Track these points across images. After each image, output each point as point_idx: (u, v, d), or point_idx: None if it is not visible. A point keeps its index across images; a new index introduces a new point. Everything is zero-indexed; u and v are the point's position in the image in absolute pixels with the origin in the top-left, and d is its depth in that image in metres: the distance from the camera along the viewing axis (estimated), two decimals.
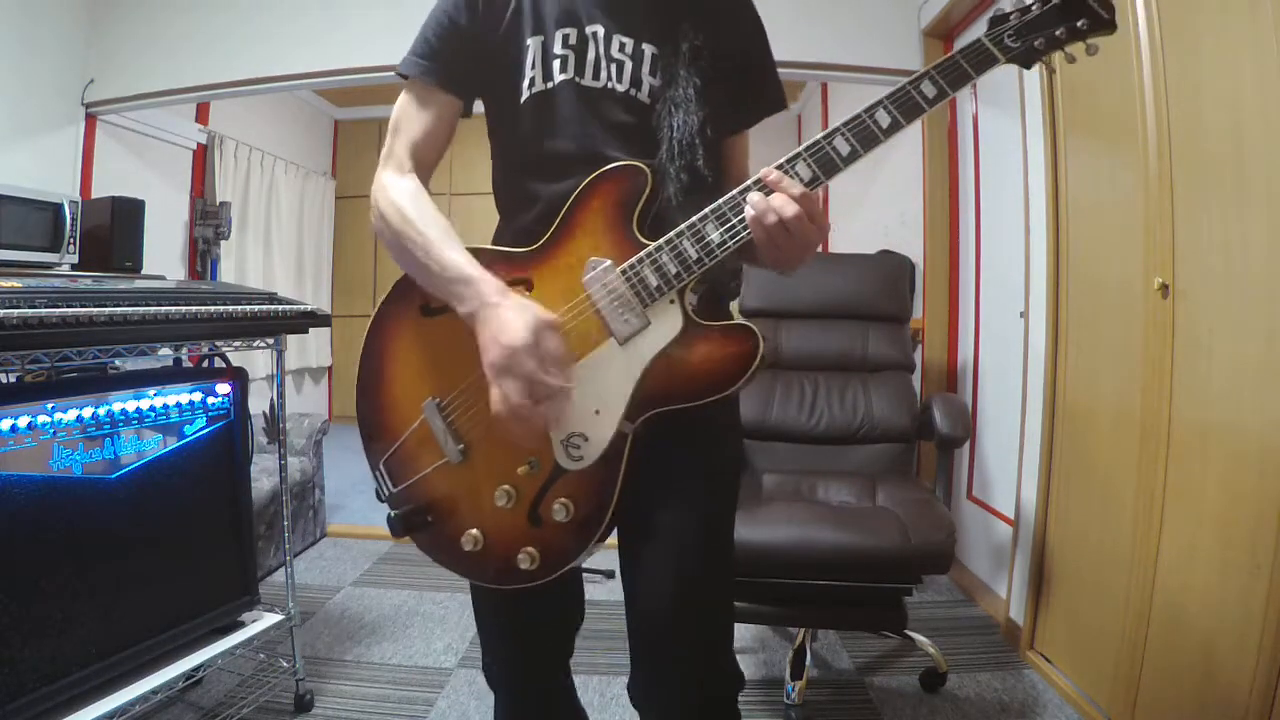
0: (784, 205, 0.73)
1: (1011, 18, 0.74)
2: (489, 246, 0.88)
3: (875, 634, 2.12)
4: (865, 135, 0.75)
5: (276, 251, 4.68)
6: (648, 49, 0.87)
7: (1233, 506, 1.33)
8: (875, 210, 3.46)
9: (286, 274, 4.82)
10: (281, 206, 4.75)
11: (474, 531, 0.84)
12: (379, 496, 0.90)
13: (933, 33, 2.70)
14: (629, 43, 0.87)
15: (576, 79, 0.87)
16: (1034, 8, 0.74)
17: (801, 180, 0.75)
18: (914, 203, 2.97)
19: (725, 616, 0.94)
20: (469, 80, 0.91)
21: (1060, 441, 1.95)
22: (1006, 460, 2.33)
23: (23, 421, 1.29)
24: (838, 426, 2.24)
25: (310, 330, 1.84)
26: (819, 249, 0.80)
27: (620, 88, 0.87)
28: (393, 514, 0.87)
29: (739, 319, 0.81)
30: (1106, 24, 0.74)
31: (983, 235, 2.65)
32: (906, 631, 1.90)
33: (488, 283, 0.78)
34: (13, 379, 1.40)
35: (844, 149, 0.75)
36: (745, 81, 0.93)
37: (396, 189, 0.86)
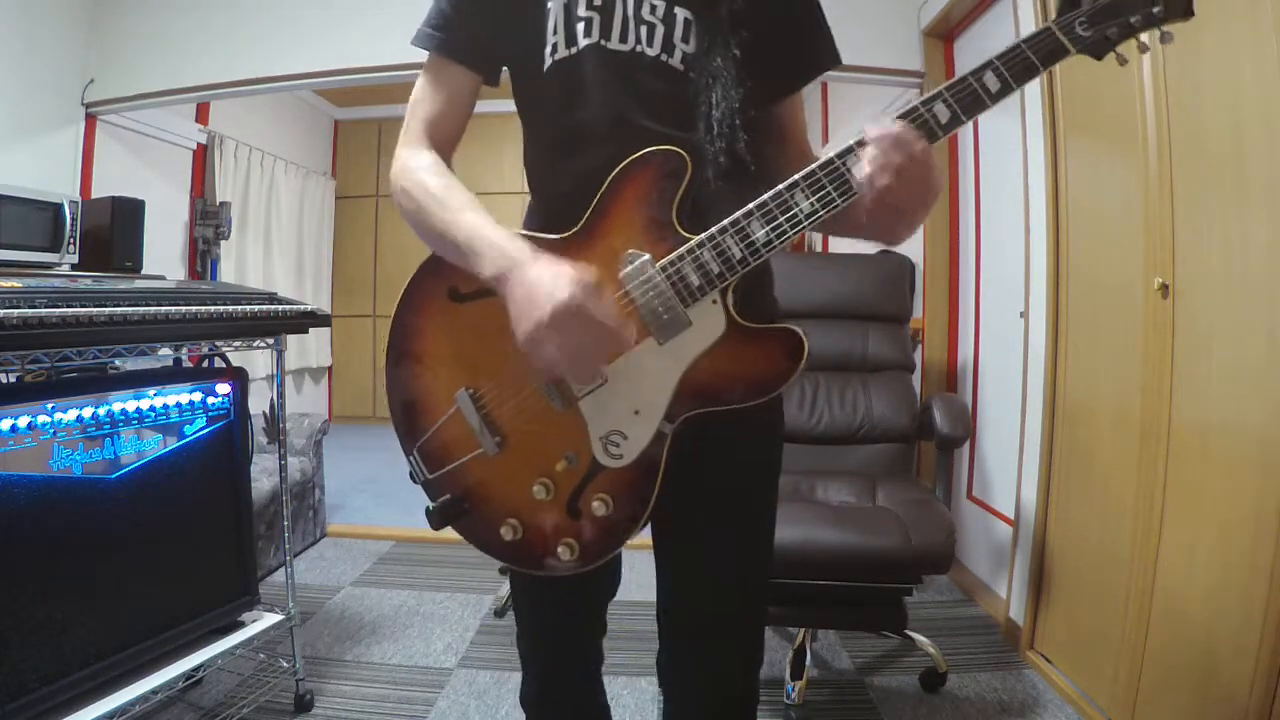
0: (907, 159, 0.67)
1: (1084, 2, 0.68)
2: (520, 231, 0.82)
3: (875, 634, 2.12)
4: (925, 128, 0.70)
5: (276, 251, 4.69)
6: (680, 12, 0.82)
7: (1233, 506, 1.33)
8: None
9: (286, 274, 4.83)
10: (281, 206, 4.75)
11: (513, 521, 0.83)
12: (413, 479, 0.89)
13: (933, 33, 2.70)
14: (660, 5, 0.82)
15: (602, 42, 0.81)
16: None
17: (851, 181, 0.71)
18: None
19: (765, 602, 0.98)
20: (486, 50, 0.87)
21: (1060, 441, 1.95)
22: (1006, 460, 2.33)
23: (23, 421, 1.29)
24: (838, 426, 2.24)
25: (310, 330, 1.84)
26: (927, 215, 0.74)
27: (651, 52, 0.81)
28: (430, 506, 0.86)
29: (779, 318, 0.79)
30: (1183, 9, 0.68)
31: (983, 235, 2.65)
32: (906, 631, 1.90)
33: (513, 241, 0.74)
34: (13, 379, 1.40)
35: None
36: (794, 41, 0.89)
37: (416, 163, 0.83)
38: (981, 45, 2.54)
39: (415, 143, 0.86)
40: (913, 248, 2.90)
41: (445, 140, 0.88)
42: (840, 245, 3.99)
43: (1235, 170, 1.33)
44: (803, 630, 1.87)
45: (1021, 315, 2.19)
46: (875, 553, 1.64)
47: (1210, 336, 1.40)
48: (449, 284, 0.84)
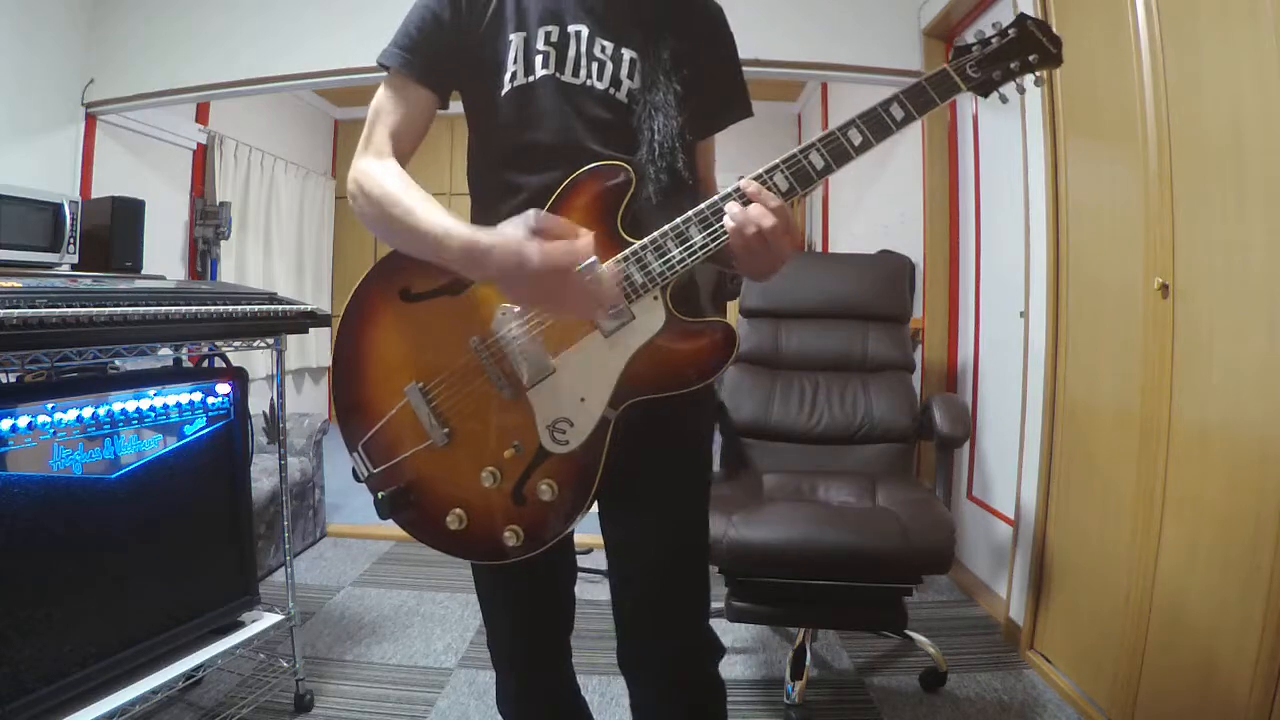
0: (762, 217, 0.77)
1: (974, 49, 0.82)
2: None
3: (875, 634, 2.12)
4: (838, 151, 0.79)
5: (276, 251, 4.68)
6: (627, 53, 0.91)
7: (1233, 506, 1.33)
8: (875, 210, 3.46)
9: (286, 274, 4.82)
10: (281, 206, 4.75)
11: (458, 511, 0.87)
12: (356, 477, 0.92)
13: (933, 33, 2.70)
14: (609, 45, 0.91)
15: (557, 74, 0.90)
16: (993, 41, 0.82)
17: (779, 191, 0.79)
18: (914, 203, 2.97)
19: (705, 585, 1.02)
20: (447, 74, 0.94)
21: (1060, 441, 1.95)
22: (1006, 460, 2.32)
23: (23, 421, 1.29)
24: (838, 426, 2.24)
25: (310, 330, 1.84)
26: (788, 260, 0.83)
27: (600, 86, 0.90)
28: (380, 495, 0.89)
29: (711, 315, 0.87)
30: (1054, 59, 0.82)
31: (983, 235, 2.65)
32: (906, 631, 1.90)
33: (464, 228, 0.79)
34: (13, 379, 1.40)
35: (818, 163, 0.79)
36: (718, 90, 0.99)
37: (379, 170, 0.88)
38: None
39: (379, 152, 0.91)
40: (913, 248, 2.91)
41: (404, 153, 0.93)
42: (840, 245, 3.99)
43: (1235, 170, 1.33)
44: (803, 630, 1.87)
45: (1021, 315, 2.19)
46: (875, 553, 1.64)
47: (1210, 336, 1.40)
48: (401, 285, 0.90)
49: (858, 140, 0.79)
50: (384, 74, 0.94)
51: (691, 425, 0.99)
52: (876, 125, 0.79)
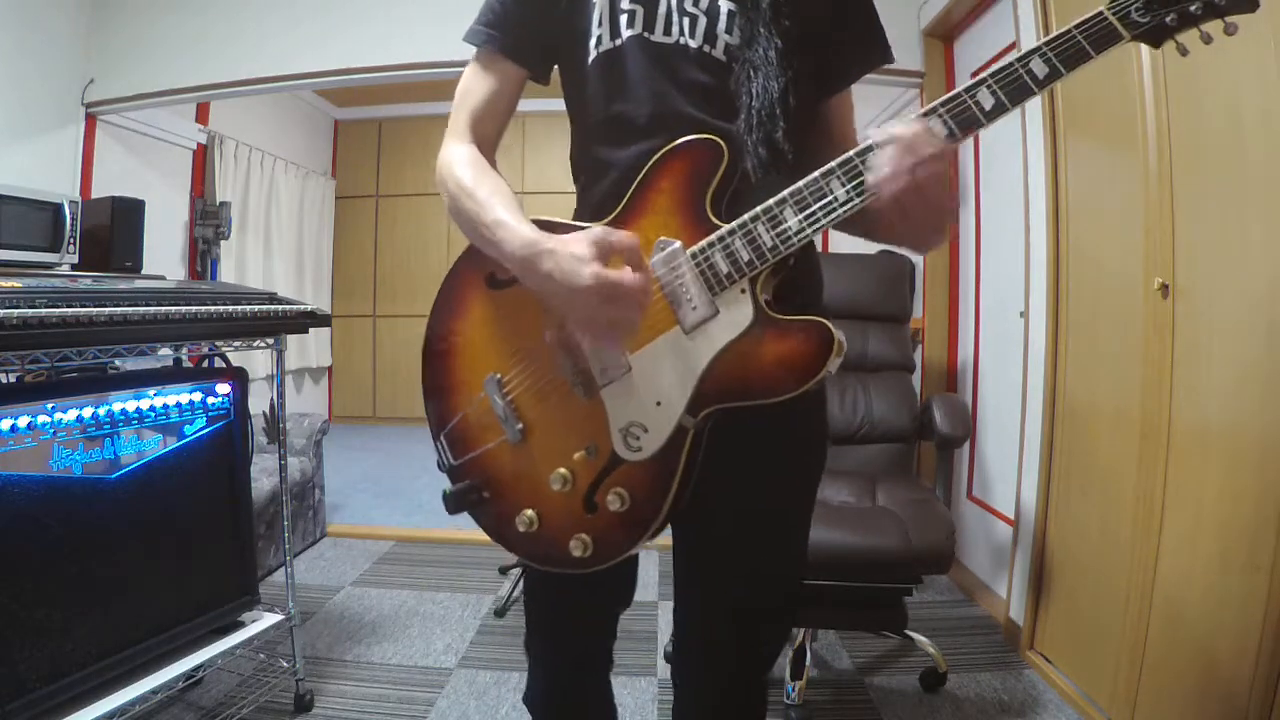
0: (921, 146, 0.65)
1: None
2: (556, 219, 0.81)
3: (875, 634, 2.12)
4: (966, 118, 0.67)
5: (276, 251, 4.68)
6: (724, 4, 0.82)
7: (1233, 506, 1.33)
8: None
9: (286, 274, 4.82)
10: (281, 206, 4.75)
11: (529, 512, 0.83)
12: (440, 467, 0.89)
13: (933, 33, 2.70)
14: None
15: (645, 34, 0.82)
16: None
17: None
18: None
19: (787, 619, 0.98)
20: (534, 47, 0.89)
21: (1060, 441, 1.95)
22: (1006, 460, 2.33)
23: (23, 421, 1.29)
24: (837, 427, 2.24)
25: (310, 330, 1.84)
26: (950, 224, 0.72)
27: (693, 43, 0.81)
28: (447, 491, 0.85)
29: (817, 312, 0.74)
30: (1249, 1, 0.66)
31: (983, 235, 2.65)
32: (906, 631, 1.90)
33: (527, 229, 0.74)
34: (13, 379, 1.40)
35: (941, 132, 0.68)
36: (841, 36, 0.86)
37: (455, 156, 0.85)
38: (982, 46, 2.53)
39: (458, 136, 0.88)
40: None
41: (489, 133, 0.90)
42: (840, 245, 3.99)
43: (1235, 170, 1.33)
44: (803, 630, 1.87)
45: (1021, 315, 2.19)
46: (875, 553, 1.64)
47: (1210, 336, 1.40)
48: (488, 270, 0.84)
49: (989, 104, 0.66)
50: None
51: (790, 440, 0.86)
52: (1014, 86, 0.66)
